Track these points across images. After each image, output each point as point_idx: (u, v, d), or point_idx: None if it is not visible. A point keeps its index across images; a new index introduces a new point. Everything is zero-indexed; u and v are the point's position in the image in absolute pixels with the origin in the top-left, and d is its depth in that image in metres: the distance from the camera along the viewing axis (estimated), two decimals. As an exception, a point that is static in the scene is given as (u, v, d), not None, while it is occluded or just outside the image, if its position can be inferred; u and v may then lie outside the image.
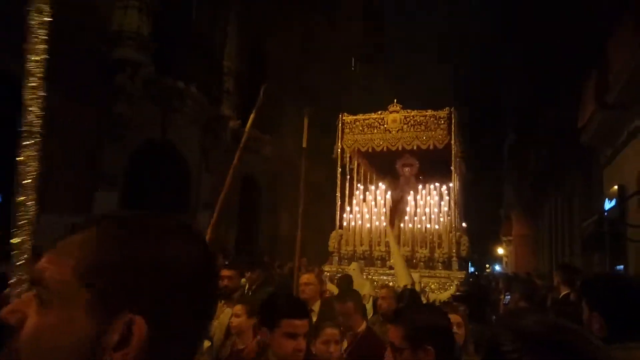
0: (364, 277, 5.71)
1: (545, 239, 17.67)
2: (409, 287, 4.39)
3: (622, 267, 8.20)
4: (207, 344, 3.16)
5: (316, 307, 3.81)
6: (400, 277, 5.08)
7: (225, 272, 4.11)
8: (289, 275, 6.25)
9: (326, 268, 6.40)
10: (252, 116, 4.67)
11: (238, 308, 3.06)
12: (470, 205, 9.60)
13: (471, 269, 14.26)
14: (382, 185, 6.77)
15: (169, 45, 10.16)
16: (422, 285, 5.56)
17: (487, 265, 29.36)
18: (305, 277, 4.13)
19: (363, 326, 3.20)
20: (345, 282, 5.17)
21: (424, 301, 5.15)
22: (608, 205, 8.88)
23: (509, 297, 7.05)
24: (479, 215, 20.69)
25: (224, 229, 12.37)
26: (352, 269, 5.55)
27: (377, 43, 17.70)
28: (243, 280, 5.22)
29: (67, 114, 8.18)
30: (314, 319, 3.18)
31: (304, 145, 5.08)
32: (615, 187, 8.51)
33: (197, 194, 11.18)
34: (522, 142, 17.51)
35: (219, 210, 3.90)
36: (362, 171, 7.32)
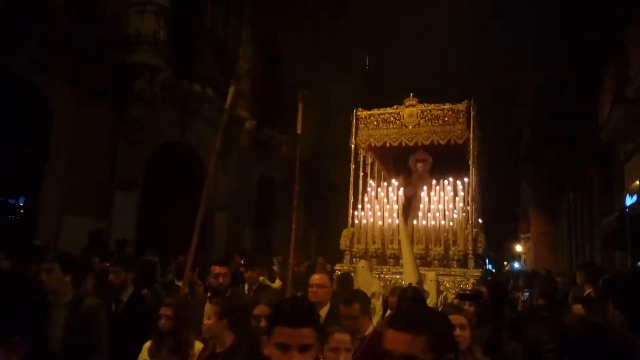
0: (375, 275, 5.60)
1: (564, 236, 17.35)
2: (414, 284, 4.30)
3: (644, 263, 8.02)
4: (198, 345, 2.98)
5: (324, 312, 3.39)
6: (407, 275, 5.02)
7: (219, 269, 3.76)
8: (305, 273, 6.24)
9: (337, 267, 6.30)
10: (231, 90, 4.51)
11: (209, 310, 2.87)
12: (487, 202, 9.46)
13: (489, 267, 14.09)
14: (394, 182, 6.62)
15: (185, 49, 10.30)
16: (439, 283, 5.48)
17: (506, 263, 28.94)
18: (317, 278, 3.61)
19: (370, 329, 2.97)
20: (345, 280, 4.99)
21: (442, 301, 5.08)
22: (629, 201, 8.69)
23: (527, 294, 6.99)
24: (497, 213, 20.42)
25: (240, 228, 12.49)
26: (361, 266, 5.44)
27: (389, 36, 17.57)
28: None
29: (85, 119, 8.38)
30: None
31: (299, 131, 4.90)
32: (637, 182, 8.32)
33: (213, 195, 11.31)
34: (537, 138, 17.21)
35: (207, 197, 3.84)
36: (376, 168, 7.20)
